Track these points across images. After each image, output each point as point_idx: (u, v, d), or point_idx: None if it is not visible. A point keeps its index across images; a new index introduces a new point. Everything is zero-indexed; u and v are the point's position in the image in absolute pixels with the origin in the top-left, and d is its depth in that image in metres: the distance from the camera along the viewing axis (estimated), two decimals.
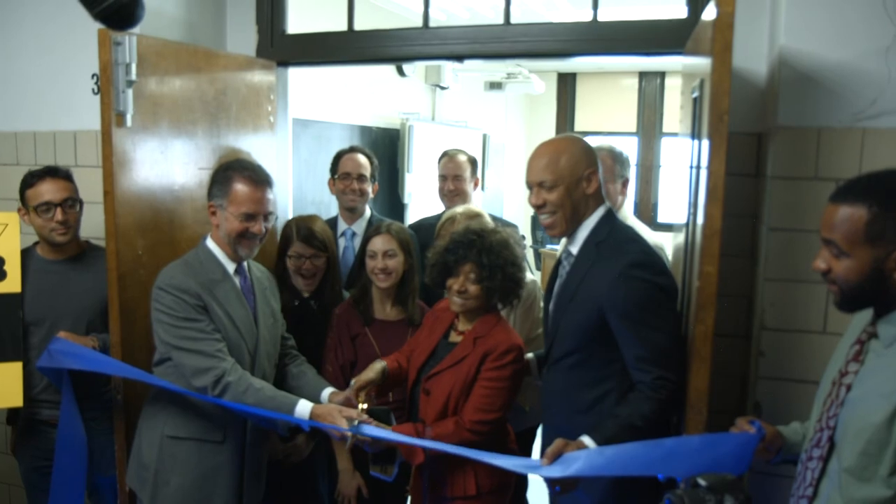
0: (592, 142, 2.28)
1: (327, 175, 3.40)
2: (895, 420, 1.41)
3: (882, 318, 1.52)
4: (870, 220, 1.46)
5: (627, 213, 3.04)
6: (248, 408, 2.17)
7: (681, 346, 2.09)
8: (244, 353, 2.29)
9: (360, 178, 3.28)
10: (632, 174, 3.07)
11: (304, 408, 2.19)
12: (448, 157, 3.53)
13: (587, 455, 1.89)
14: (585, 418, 2.08)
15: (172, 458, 2.28)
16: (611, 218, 2.16)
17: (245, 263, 2.40)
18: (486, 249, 2.24)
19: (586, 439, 1.93)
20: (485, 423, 2.21)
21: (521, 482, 3.06)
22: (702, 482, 1.51)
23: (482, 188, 3.63)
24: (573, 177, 2.10)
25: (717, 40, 1.76)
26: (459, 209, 3.00)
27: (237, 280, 2.35)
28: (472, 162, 3.55)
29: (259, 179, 2.29)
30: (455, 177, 3.47)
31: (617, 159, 2.97)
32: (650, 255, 2.09)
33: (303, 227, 2.77)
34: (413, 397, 2.38)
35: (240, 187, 2.26)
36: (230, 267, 2.34)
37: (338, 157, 3.36)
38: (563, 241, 2.30)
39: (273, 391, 2.23)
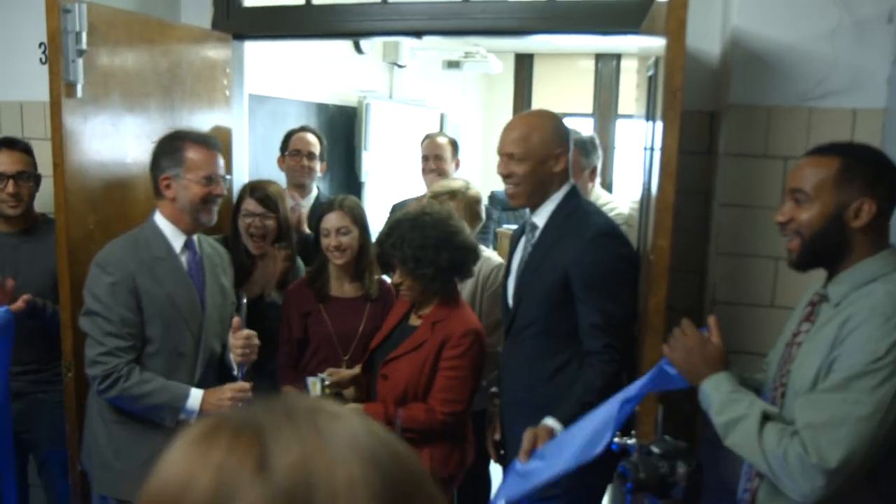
0: None
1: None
2: (820, 375, 1.47)
3: (832, 280, 1.58)
4: (842, 167, 1.52)
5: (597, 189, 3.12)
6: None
7: (633, 320, 2.14)
8: (186, 333, 2.25)
9: (310, 155, 3.41)
10: (600, 157, 3.12)
11: (196, 395, 2.18)
12: (429, 139, 3.68)
13: (552, 454, 1.82)
14: (547, 387, 2.12)
15: (116, 442, 2.23)
16: (576, 194, 2.21)
17: (195, 238, 2.35)
18: (404, 240, 2.21)
19: (550, 421, 1.94)
20: (455, 413, 2.24)
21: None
22: (655, 449, 1.56)
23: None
24: (542, 155, 2.14)
25: (671, 18, 1.81)
26: (457, 184, 2.90)
27: (184, 257, 2.30)
28: (453, 143, 3.70)
29: (211, 143, 2.30)
30: (436, 157, 3.59)
31: (581, 151, 3.00)
32: (616, 228, 2.16)
33: (257, 189, 2.82)
34: (368, 375, 2.38)
35: (195, 153, 2.24)
36: (177, 243, 2.28)
37: (288, 136, 3.49)
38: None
39: (165, 381, 2.18)
